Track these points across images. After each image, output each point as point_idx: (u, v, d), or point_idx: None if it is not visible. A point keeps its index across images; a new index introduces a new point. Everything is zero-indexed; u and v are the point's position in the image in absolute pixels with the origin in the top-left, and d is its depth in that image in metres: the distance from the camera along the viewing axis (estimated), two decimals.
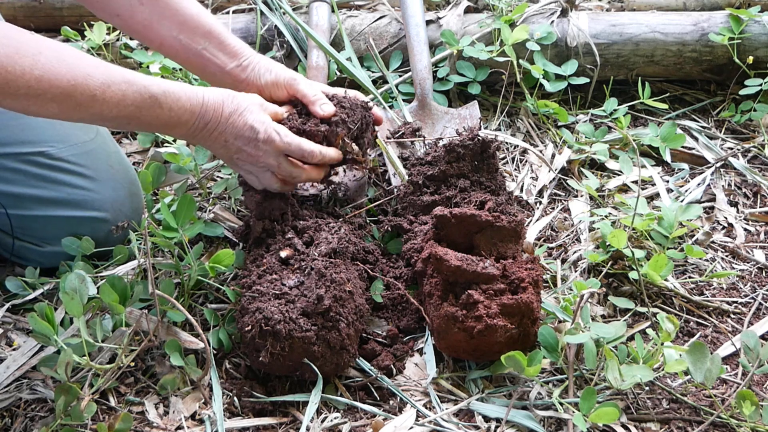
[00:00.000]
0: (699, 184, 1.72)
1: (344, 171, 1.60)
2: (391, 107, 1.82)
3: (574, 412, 1.13)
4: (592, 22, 1.96)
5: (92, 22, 2.03)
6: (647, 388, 1.25)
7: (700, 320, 1.41)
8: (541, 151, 1.80)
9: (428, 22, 1.95)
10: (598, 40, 1.93)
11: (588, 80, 1.92)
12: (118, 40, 2.03)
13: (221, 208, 1.59)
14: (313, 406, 1.20)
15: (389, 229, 1.49)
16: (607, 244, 1.45)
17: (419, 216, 1.49)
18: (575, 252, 1.52)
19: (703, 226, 1.61)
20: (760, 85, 1.85)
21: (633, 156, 1.73)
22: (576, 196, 1.70)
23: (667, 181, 1.73)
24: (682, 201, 1.66)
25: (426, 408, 1.22)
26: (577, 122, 1.89)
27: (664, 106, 1.89)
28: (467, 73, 1.92)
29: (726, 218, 1.65)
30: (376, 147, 1.58)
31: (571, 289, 1.40)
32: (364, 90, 1.86)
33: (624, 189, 1.72)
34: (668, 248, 1.48)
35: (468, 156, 1.50)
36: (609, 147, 1.80)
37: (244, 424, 1.20)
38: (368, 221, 1.55)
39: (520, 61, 1.86)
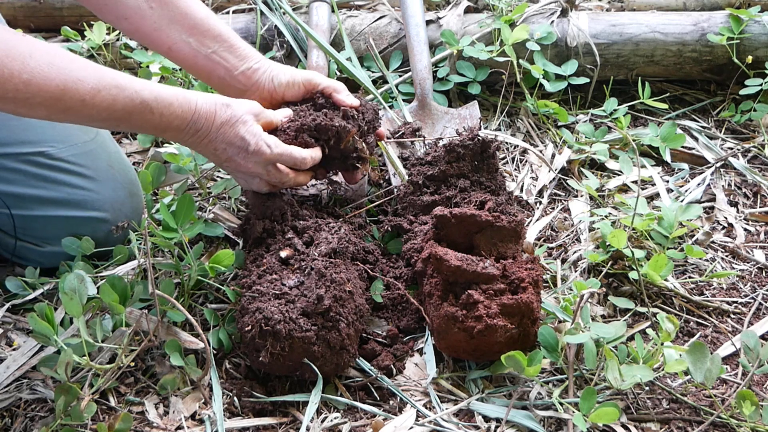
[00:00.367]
0: (699, 184, 1.72)
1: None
2: (391, 107, 1.82)
3: (574, 412, 1.13)
4: (592, 22, 1.96)
5: (92, 22, 2.03)
6: (647, 388, 1.25)
7: (700, 320, 1.41)
8: (541, 151, 1.80)
9: (428, 22, 1.95)
10: (598, 40, 1.93)
11: (588, 80, 1.92)
12: (118, 40, 2.03)
13: (221, 208, 1.59)
14: (313, 406, 1.20)
15: (389, 229, 1.49)
16: (607, 244, 1.45)
17: (419, 216, 1.49)
18: (575, 252, 1.52)
19: (703, 226, 1.61)
20: (760, 85, 1.85)
21: (633, 156, 1.73)
22: (576, 196, 1.70)
23: (667, 181, 1.73)
24: (682, 201, 1.66)
25: (426, 408, 1.22)
26: (577, 122, 1.89)
27: (664, 106, 1.89)
28: (467, 73, 1.92)
29: (726, 218, 1.65)
30: (377, 148, 1.58)
31: (571, 289, 1.40)
32: (364, 90, 1.86)
33: (624, 189, 1.72)
34: (668, 248, 1.48)
35: (468, 156, 1.50)
36: (609, 147, 1.80)
37: (244, 424, 1.20)
38: (368, 221, 1.55)
39: (520, 61, 1.86)
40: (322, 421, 1.19)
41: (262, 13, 2.02)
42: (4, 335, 1.35)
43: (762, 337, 1.36)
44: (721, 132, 1.91)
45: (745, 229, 1.63)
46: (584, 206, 1.66)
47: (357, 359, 1.28)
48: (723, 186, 1.74)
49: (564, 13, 1.97)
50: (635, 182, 1.71)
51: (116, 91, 1.16)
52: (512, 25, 1.91)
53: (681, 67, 1.95)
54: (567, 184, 1.74)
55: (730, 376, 1.29)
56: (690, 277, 1.49)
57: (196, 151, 1.36)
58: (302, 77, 1.47)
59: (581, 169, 1.75)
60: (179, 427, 1.19)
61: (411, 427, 1.18)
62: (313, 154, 1.40)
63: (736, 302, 1.45)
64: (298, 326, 1.18)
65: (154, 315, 1.28)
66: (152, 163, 1.53)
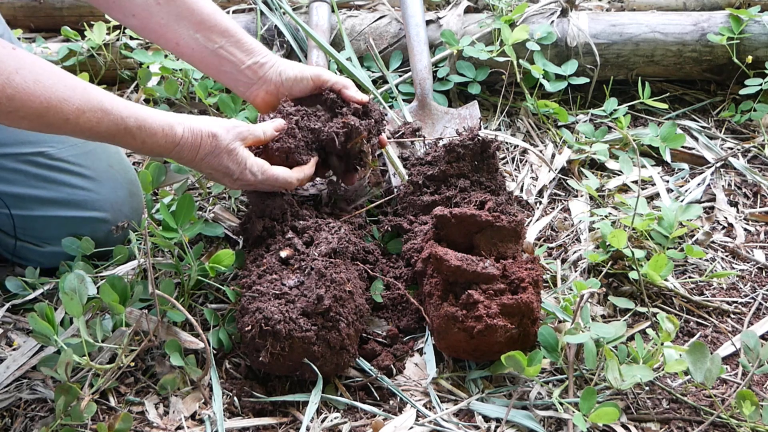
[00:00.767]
0: (699, 184, 1.72)
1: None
2: (391, 107, 1.82)
3: (574, 412, 1.13)
4: (592, 22, 1.96)
5: (92, 22, 2.02)
6: (647, 388, 1.25)
7: (700, 320, 1.41)
8: (541, 151, 1.80)
9: (428, 22, 1.95)
10: (598, 40, 1.93)
11: (588, 80, 1.92)
12: (118, 40, 2.03)
13: (221, 208, 1.59)
14: (313, 406, 1.20)
15: (389, 229, 1.49)
16: (607, 244, 1.45)
17: (419, 216, 1.49)
18: (575, 252, 1.52)
19: (703, 226, 1.61)
20: (760, 85, 1.85)
21: (633, 156, 1.73)
22: (576, 196, 1.70)
23: (667, 181, 1.73)
24: (682, 201, 1.66)
25: (426, 408, 1.22)
26: (577, 122, 1.89)
27: (664, 106, 1.89)
28: (467, 73, 1.92)
29: (726, 218, 1.65)
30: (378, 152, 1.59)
31: (571, 289, 1.40)
32: (364, 90, 1.86)
33: (624, 189, 1.72)
34: (668, 248, 1.48)
35: (468, 156, 1.50)
36: (609, 147, 1.80)
37: (244, 424, 1.20)
38: (368, 221, 1.55)
39: (520, 61, 1.86)
40: (322, 421, 1.19)
41: (262, 13, 2.02)
42: (4, 335, 1.36)
43: (762, 337, 1.36)
44: (721, 132, 1.91)
45: (745, 229, 1.63)
46: (584, 206, 1.66)
47: (357, 359, 1.28)
48: (723, 186, 1.74)
49: (564, 13, 1.97)
50: (635, 182, 1.71)
51: (101, 114, 1.16)
52: (512, 25, 1.91)
53: (681, 67, 1.95)
54: (567, 184, 1.74)
55: (730, 376, 1.29)
56: (690, 277, 1.49)
57: (186, 166, 1.37)
58: (311, 72, 1.47)
59: (581, 169, 1.75)
60: (179, 427, 1.19)
61: (411, 427, 1.18)
62: (305, 172, 1.40)
63: (736, 302, 1.45)
64: (298, 326, 1.18)
65: (154, 315, 1.28)
66: (152, 163, 1.52)
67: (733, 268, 1.52)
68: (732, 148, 1.84)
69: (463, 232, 1.33)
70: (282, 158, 1.39)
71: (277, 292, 1.23)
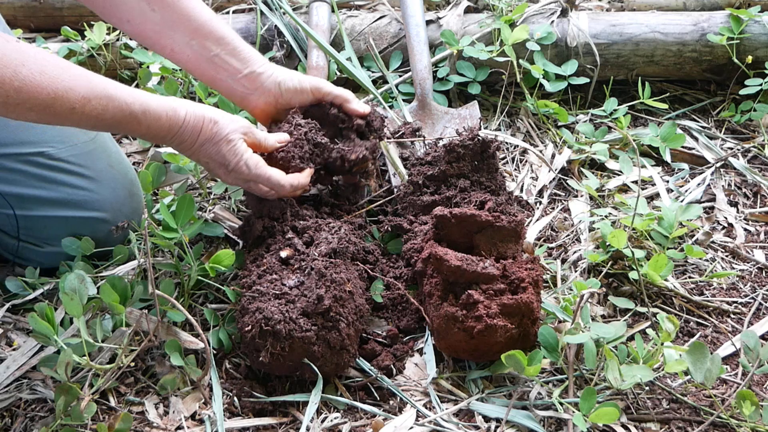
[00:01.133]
0: (699, 184, 1.72)
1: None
2: (391, 107, 1.82)
3: (574, 412, 1.13)
4: (592, 22, 1.96)
5: (92, 22, 2.03)
6: (647, 388, 1.25)
7: (700, 320, 1.41)
8: (541, 151, 1.80)
9: (428, 22, 1.95)
10: (598, 40, 1.93)
11: (588, 80, 1.92)
12: (118, 40, 2.03)
13: (221, 208, 1.59)
14: (313, 406, 1.20)
15: (389, 229, 1.49)
16: (607, 244, 1.45)
17: (419, 216, 1.49)
18: (575, 252, 1.52)
19: (703, 226, 1.61)
20: (760, 85, 1.85)
21: (633, 156, 1.73)
22: (576, 196, 1.70)
23: (667, 181, 1.73)
24: (682, 201, 1.66)
25: (426, 408, 1.22)
26: (577, 122, 1.89)
27: (664, 106, 1.89)
28: (467, 73, 1.92)
29: (726, 218, 1.65)
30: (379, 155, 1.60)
31: (571, 289, 1.40)
32: (364, 90, 1.86)
33: (624, 189, 1.72)
34: (668, 248, 1.48)
35: (468, 156, 1.50)
36: (609, 147, 1.80)
37: (244, 424, 1.20)
38: (368, 221, 1.55)
39: (520, 61, 1.86)
40: (322, 421, 1.19)
41: (262, 13, 2.02)
42: (4, 335, 1.36)
43: (762, 337, 1.36)
44: (721, 132, 1.91)
45: (745, 229, 1.63)
46: (584, 206, 1.66)
47: (357, 359, 1.28)
48: (723, 186, 1.74)
49: (564, 13, 1.97)
50: (635, 182, 1.71)
51: (106, 101, 1.17)
52: (512, 25, 1.91)
53: (681, 67, 1.95)
54: (567, 184, 1.74)
55: (730, 376, 1.29)
56: (690, 277, 1.49)
57: (181, 154, 1.37)
58: (310, 84, 1.46)
59: (581, 169, 1.75)
60: (179, 427, 1.19)
61: (411, 427, 1.18)
62: (300, 180, 1.40)
63: (736, 302, 1.45)
64: (298, 326, 1.18)
65: (154, 315, 1.28)
66: (152, 163, 1.53)
67: (733, 268, 1.52)
68: (732, 148, 1.84)
69: (463, 232, 1.33)
70: (283, 166, 1.39)
71: (277, 292, 1.23)
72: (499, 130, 1.88)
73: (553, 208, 1.67)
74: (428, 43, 1.88)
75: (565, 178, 1.75)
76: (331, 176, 1.53)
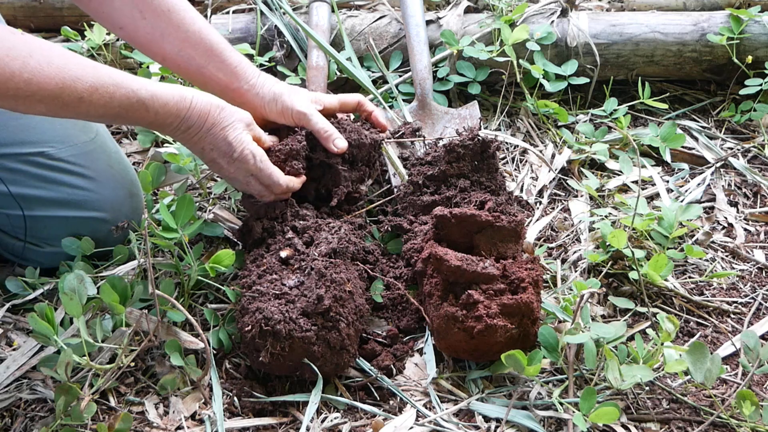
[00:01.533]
0: (699, 184, 1.72)
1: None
2: (391, 107, 1.82)
3: (574, 412, 1.13)
4: (592, 22, 1.96)
5: (92, 22, 2.02)
6: (647, 388, 1.25)
7: (700, 320, 1.41)
8: (541, 151, 1.80)
9: (428, 22, 1.95)
10: (598, 40, 1.93)
11: (588, 80, 1.92)
12: (118, 40, 2.02)
13: (221, 208, 1.59)
14: (313, 406, 1.20)
15: (389, 229, 1.49)
16: (607, 244, 1.45)
17: (419, 216, 1.49)
18: (575, 252, 1.52)
19: (703, 226, 1.61)
20: (760, 85, 1.85)
21: (633, 156, 1.73)
22: (576, 196, 1.70)
23: (667, 181, 1.73)
24: (682, 201, 1.66)
25: (426, 408, 1.22)
26: (577, 122, 1.89)
27: (664, 106, 1.89)
28: (467, 73, 1.92)
29: (726, 218, 1.65)
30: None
31: (571, 289, 1.40)
32: (364, 90, 1.86)
33: (624, 189, 1.72)
34: (668, 248, 1.48)
35: (468, 156, 1.49)
36: (609, 147, 1.80)
37: (244, 424, 1.20)
38: (368, 221, 1.55)
39: (520, 61, 1.86)
40: (322, 421, 1.19)
41: (262, 13, 2.02)
42: (4, 335, 1.36)
43: (762, 337, 1.36)
44: (721, 132, 1.91)
45: (745, 229, 1.63)
46: (584, 206, 1.66)
47: (357, 359, 1.28)
48: (723, 186, 1.74)
49: (564, 13, 1.97)
50: (635, 182, 1.71)
51: (113, 89, 1.18)
52: (512, 25, 1.91)
53: (681, 67, 1.95)
54: (567, 184, 1.74)
55: (730, 376, 1.29)
56: (690, 277, 1.49)
57: (185, 146, 1.36)
58: (294, 115, 1.44)
59: (581, 169, 1.75)
60: (179, 427, 1.19)
61: (411, 427, 1.18)
62: (294, 183, 1.40)
63: (736, 302, 1.45)
64: (298, 326, 1.18)
65: (154, 315, 1.28)
66: (152, 163, 1.53)
67: (733, 268, 1.52)
68: (732, 148, 1.84)
69: (463, 232, 1.33)
70: (281, 159, 1.39)
71: (277, 292, 1.23)
72: (499, 130, 1.88)
73: (553, 208, 1.67)
74: (428, 43, 1.87)
75: (565, 178, 1.75)
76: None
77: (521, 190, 1.70)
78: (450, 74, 1.92)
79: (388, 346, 1.33)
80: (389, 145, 1.61)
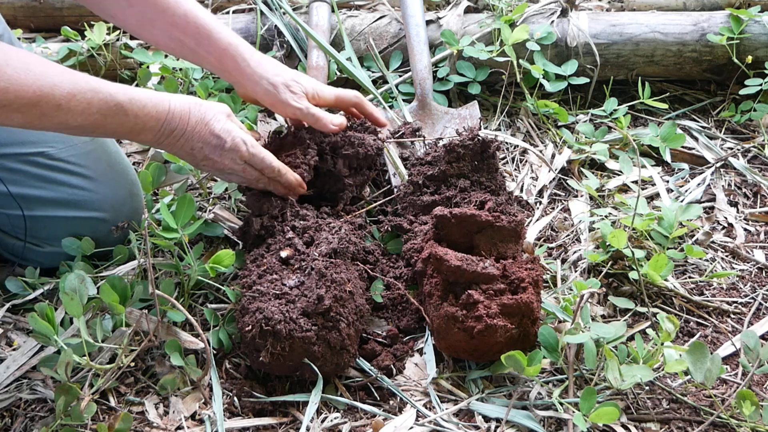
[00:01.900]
0: (699, 184, 1.72)
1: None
2: (391, 107, 1.82)
3: (574, 412, 1.13)
4: (592, 22, 1.96)
5: (92, 22, 2.03)
6: (647, 388, 1.25)
7: (700, 320, 1.41)
8: (541, 151, 1.80)
9: (428, 22, 1.95)
10: (598, 40, 1.93)
11: (588, 80, 1.92)
12: (118, 40, 2.03)
13: (221, 208, 1.59)
14: (313, 406, 1.20)
15: (389, 229, 1.49)
16: (607, 244, 1.45)
17: (419, 216, 1.49)
18: (575, 252, 1.52)
19: (703, 226, 1.61)
20: (760, 85, 1.85)
21: (633, 156, 1.73)
22: (576, 196, 1.70)
23: (667, 181, 1.73)
24: (682, 201, 1.66)
25: (426, 408, 1.22)
26: (577, 122, 1.89)
27: (664, 106, 1.90)
28: (467, 73, 1.92)
29: (726, 218, 1.65)
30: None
31: (571, 289, 1.40)
32: (364, 90, 1.86)
33: (624, 189, 1.72)
34: (668, 248, 1.48)
35: (468, 156, 1.50)
36: (609, 147, 1.80)
37: (244, 424, 1.20)
38: (368, 221, 1.55)
39: (520, 61, 1.86)
40: (322, 421, 1.19)
41: (262, 13, 2.02)
42: (4, 335, 1.36)
43: (762, 337, 1.36)
44: (721, 132, 1.91)
45: (745, 229, 1.63)
46: (584, 206, 1.66)
47: (357, 359, 1.28)
48: (723, 186, 1.74)
49: (564, 13, 1.97)
50: (635, 182, 1.71)
51: (91, 95, 1.16)
52: (512, 25, 1.91)
53: (681, 67, 1.95)
54: (567, 184, 1.74)
55: (730, 376, 1.29)
56: (690, 277, 1.49)
57: (172, 152, 1.34)
58: (290, 112, 1.45)
59: (581, 169, 1.75)
60: (179, 427, 1.19)
61: (411, 427, 1.18)
62: (286, 172, 1.39)
63: (736, 302, 1.45)
64: (298, 326, 1.18)
65: (154, 315, 1.28)
66: (152, 163, 1.53)
67: (733, 268, 1.52)
68: (732, 148, 1.84)
69: (463, 232, 1.33)
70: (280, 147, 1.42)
71: (277, 292, 1.23)
72: (499, 130, 1.88)
73: (553, 208, 1.67)
74: (428, 43, 1.88)
75: (565, 178, 1.75)
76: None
77: (521, 190, 1.70)
78: (450, 74, 1.92)
79: (388, 346, 1.33)
80: (390, 145, 1.61)
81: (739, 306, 1.44)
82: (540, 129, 1.89)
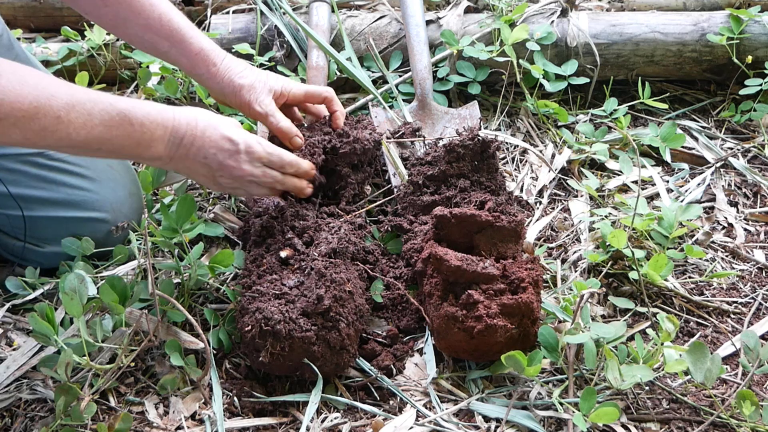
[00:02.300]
0: (699, 184, 1.72)
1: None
2: (391, 107, 1.82)
3: (574, 412, 1.13)
4: (592, 22, 1.96)
5: (92, 22, 2.02)
6: (647, 388, 1.25)
7: (700, 320, 1.41)
8: (541, 151, 1.80)
9: (428, 22, 1.95)
10: (598, 40, 1.93)
11: (588, 80, 1.92)
12: (118, 40, 2.03)
13: (221, 208, 1.59)
14: (313, 406, 1.20)
15: (389, 229, 1.49)
16: (607, 244, 1.45)
17: (419, 216, 1.49)
18: (575, 252, 1.51)
19: (703, 226, 1.60)
20: (760, 85, 1.85)
21: (633, 156, 1.73)
22: (576, 196, 1.70)
23: (667, 181, 1.73)
24: (682, 201, 1.66)
25: (426, 408, 1.22)
26: (577, 122, 1.89)
27: (664, 106, 1.89)
28: (467, 73, 1.92)
29: (726, 218, 1.65)
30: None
31: (571, 289, 1.40)
32: (364, 90, 1.86)
33: (624, 189, 1.72)
34: (668, 248, 1.48)
35: (468, 156, 1.50)
36: (609, 147, 1.80)
37: (244, 424, 1.20)
38: (368, 221, 1.55)
39: (520, 61, 1.86)
40: (322, 421, 1.19)
41: (262, 13, 2.02)
42: (4, 335, 1.36)
43: (762, 337, 1.36)
44: (721, 132, 1.91)
45: (745, 229, 1.63)
46: (584, 206, 1.66)
47: (357, 359, 1.28)
48: (723, 186, 1.74)
49: (564, 13, 1.97)
50: (635, 182, 1.71)
51: (90, 105, 1.11)
52: (512, 25, 1.91)
53: (681, 67, 1.95)
54: (567, 184, 1.74)
55: (730, 376, 1.29)
56: (690, 277, 1.49)
57: (186, 168, 1.29)
58: (254, 112, 1.44)
59: (581, 169, 1.75)
60: (179, 427, 1.19)
61: (411, 427, 1.18)
62: (301, 162, 1.39)
63: (736, 302, 1.45)
64: (298, 326, 1.18)
65: (154, 315, 1.28)
66: None
67: (733, 268, 1.52)
68: (732, 148, 1.84)
69: (463, 232, 1.33)
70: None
71: (277, 292, 1.23)
72: (499, 130, 1.88)
73: (553, 208, 1.67)
74: (428, 43, 1.87)
75: (565, 178, 1.75)
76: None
77: (521, 190, 1.70)
78: (450, 74, 1.92)
79: (388, 346, 1.33)
80: (390, 144, 1.61)
81: (739, 306, 1.44)
82: (540, 129, 1.89)
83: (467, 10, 2.03)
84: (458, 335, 1.21)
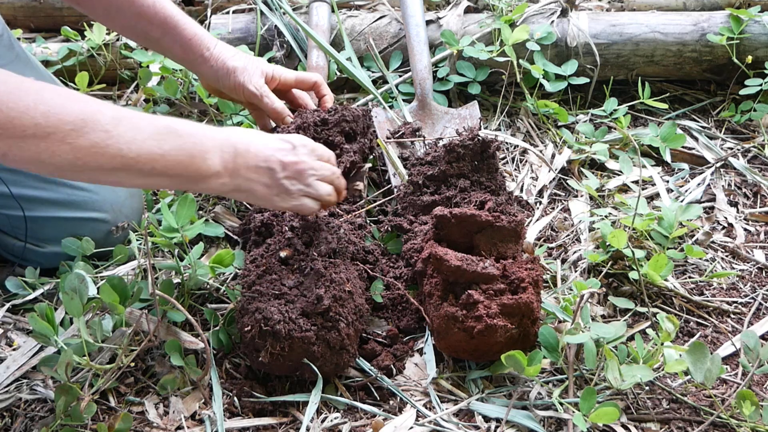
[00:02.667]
0: (699, 184, 1.72)
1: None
2: (391, 107, 1.82)
3: (574, 412, 1.13)
4: (592, 22, 1.96)
5: (92, 22, 2.02)
6: (647, 388, 1.25)
7: (700, 320, 1.41)
8: (541, 151, 1.80)
9: (428, 22, 1.95)
10: (598, 40, 1.93)
11: (588, 80, 1.92)
12: (118, 40, 2.03)
13: (221, 208, 1.59)
14: (313, 406, 1.20)
15: (389, 229, 1.49)
16: (607, 244, 1.45)
17: (419, 216, 1.49)
18: (575, 252, 1.51)
19: (703, 226, 1.61)
20: (760, 85, 1.85)
21: (633, 156, 1.73)
22: (576, 196, 1.70)
23: (667, 181, 1.73)
24: (682, 201, 1.66)
25: (426, 408, 1.22)
26: (577, 122, 1.89)
27: (664, 106, 1.90)
28: (467, 73, 1.92)
29: (726, 218, 1.65)
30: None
31: (571, 289, 1.40)
32: (364, 90, 1.86)
33: (624, 189, 1.72)
34: (668, 248, 1.48)
35: (468, 156, 1.50)
36: (609, 147, 1.80)
37: (244, 424, 1.20)
38: (368, 221, 1.55)
39: (520, 61, 1.86)
40: (322, 421, 1.19)
41: (262, 13, 2.02)
42: (4, 335, 1.36)
43: (762, 337, 1.36)
44: (721, 132, 1.91)
45: (745, 229, 1.63)
46: (584, 206, 1.66)
47: (357, 359, 1.28)
48: (723, 186, 1.74)
49: (564, 13, 1.97)
50: (635, 182, 1.71)
51: (137, 120, 1.05)
52: (512, 25, 1.91)
53: (681, 67, 1.95)
54: (567, 184, 1.74)
55: (730, 376, 1.29)
56: (690, 277, 1.49)
57: (248, 183, 1.16)
58: (247, 92, 1.44)
59: (581, 169, 1.75)
60: (179, 427, 1.19)
61: (411, 427, 1.18)
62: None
63: (736, 302, 1.45)
64: (297, 326, 1.18)
65: (154, 315, 1.28)
66: None
67: (733, 268, 1.52)
68: (732, 148, 1.84)
69: (463, 232, 1.33)
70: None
71: (276, 292, 1.23)
72: (499, 130, 1.88)
73: (553, 208, 1.67)
74: (428, 43, 1.88)
75: (565, 178, 1.75)
76: None
77: (521, 190, 1.70)
78: (450, 74, 1.92)
79: (388, 346, 1.33)
80: (389, 144, 1.61)
81: (739, 306, 1.44)
82: (540, 129, 1.89)
83: (467, 10, 2.04)
84: (458, 335, 1.21)
